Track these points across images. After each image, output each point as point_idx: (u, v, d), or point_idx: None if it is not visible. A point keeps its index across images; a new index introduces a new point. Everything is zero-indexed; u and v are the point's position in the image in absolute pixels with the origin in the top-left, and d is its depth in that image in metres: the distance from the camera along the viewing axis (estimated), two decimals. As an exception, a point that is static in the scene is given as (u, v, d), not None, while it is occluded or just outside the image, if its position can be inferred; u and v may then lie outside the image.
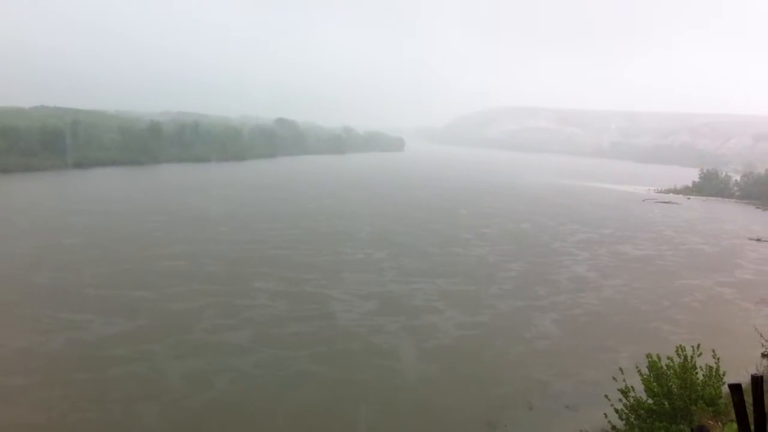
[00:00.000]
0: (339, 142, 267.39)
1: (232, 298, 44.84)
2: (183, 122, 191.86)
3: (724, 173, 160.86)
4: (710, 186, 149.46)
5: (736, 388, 3.35)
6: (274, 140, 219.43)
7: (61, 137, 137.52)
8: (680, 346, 19.05)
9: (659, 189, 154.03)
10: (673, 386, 18.27)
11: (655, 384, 18.31)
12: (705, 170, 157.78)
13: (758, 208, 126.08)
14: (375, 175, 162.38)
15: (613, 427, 19.36)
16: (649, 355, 18.98)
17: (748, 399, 3.66)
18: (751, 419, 3.52)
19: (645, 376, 18.69)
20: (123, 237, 64.09)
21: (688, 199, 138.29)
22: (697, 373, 18.53)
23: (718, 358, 18.72)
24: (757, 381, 3.49)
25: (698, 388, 18.14)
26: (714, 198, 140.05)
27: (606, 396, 19.11)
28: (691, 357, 18.70)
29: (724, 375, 18.77)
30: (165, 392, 29.87)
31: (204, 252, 59.33)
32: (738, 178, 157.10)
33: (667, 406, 18.02)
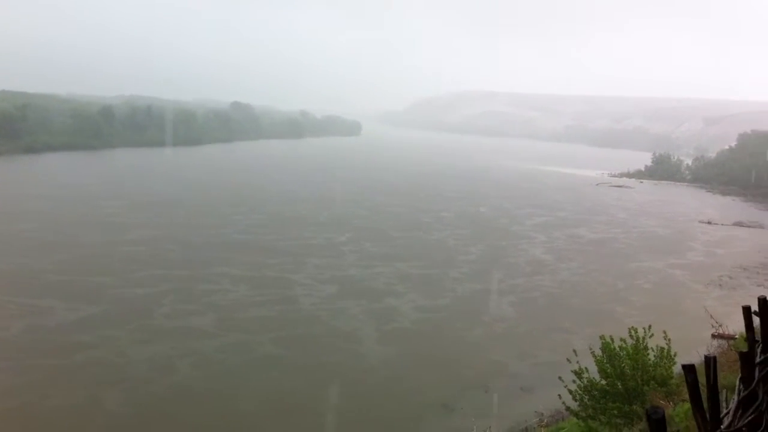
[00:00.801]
0: (296, 126, 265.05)
1: (195, 283, 44.68)
2: (136, 106, 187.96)
3: (676, 157, 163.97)
4: (662, 170, 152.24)
5: (690, 369, 3.35)
6: (230, 124, 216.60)
7: (10, 121, 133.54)
8: (632, 327, 19.32)
9: (613, 173, 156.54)
10: (626, 367, 18.53)
11: (608, 365, 18.57)
12: (657, 154, 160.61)
13: (709, 191, 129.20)
14: (333, 159, 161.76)
15: (567, 408, 19.63)
16: (602, 337, 19.21)
17: (702, 380, 3.67)
18: (704, 400, 3.53)
19: (598, 358, 18.93)
20: (80, 222, 63.03)
21: (641, 182, 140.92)
22: (648, 354, 18.84)
23: (669, 340, 19.07)
24: (710, 362, 3.49)
25: (650, 368, 18.46)
26: (666, 182, 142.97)
27: (560, 377, 19.37)
28: (643, 338, 18.98)
29: (675, 356, 19.14)
30: (129, 377, 29.88)
31: (164, 237, 58.82)
32: (689, 162, 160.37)
33: (619, 386, 18.29)
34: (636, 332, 19.17)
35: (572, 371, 18.98)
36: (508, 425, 22.48)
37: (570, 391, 18.96)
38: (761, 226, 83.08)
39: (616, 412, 18.01)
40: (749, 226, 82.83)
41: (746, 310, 4.60)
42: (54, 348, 32.39)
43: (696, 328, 34.85)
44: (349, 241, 62.25)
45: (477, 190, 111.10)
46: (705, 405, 3.54)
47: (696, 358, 22.69)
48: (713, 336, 30.95)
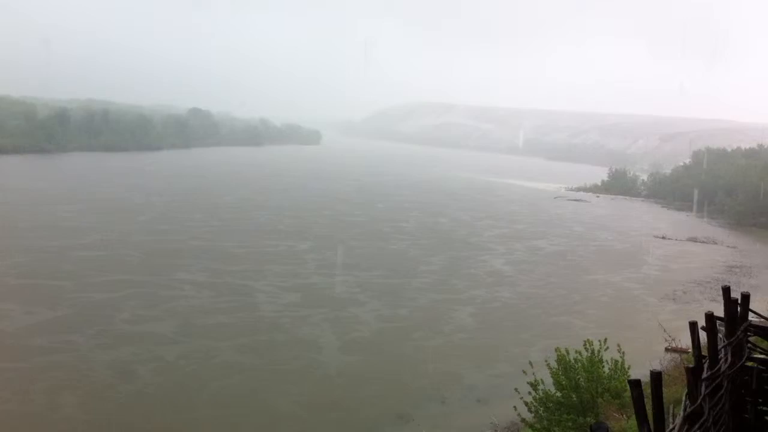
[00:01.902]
0: (255, 134, 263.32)
1: (154, 289, 44.44)
2: (92, 110, 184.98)
3: (631, 173, 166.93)
4: (618, 185, 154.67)
5: (635, 384, 3.36)
6: (188, 130, 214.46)
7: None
8: (588, 340, 19.57)
9: (570, 187, 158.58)
10: (581, 379, 18.75)
11: (563, 377, 18.77)
12: (614, 169, 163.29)
13: (663, 206, 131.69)
14: (292, 167, 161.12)
15: (523, 420, 19.75)
16: (557, 349, 19.41)
17: (650, 394, 3.68)
18: (650, 414, 3.53)
19: (554, 370, 19.11)
20: (35, 227, 61.95)
21: (598, 197, 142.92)
22: (603, 366, 19.08)
23: (623, 353, 19.35)
24: (655, 377, 3.50)
25: (604, 381, 18.70)
26: (622, 196, 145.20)
27: (516, 389, 19.48)
28: (598, 351, 19.24)
29: (629, 369, 19.40)
30: (89, 383, 29.53)
31: (122, 242, 58.27)
32: (645, 177, 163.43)
33: (574, 398, 18.49)
34: (591, 345, 19.42)
35: (528, 383, 19.09)
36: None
37: (525, 403, 19.08)
38: (714, 242, 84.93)
39: (570, 423, 18.18)
40: (703, 242, 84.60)
41: (693, 326, 4.65)
42: (12, 352, 31.97)
43: (650, 342, 35.35)
44: (310, 249, 62.20)
45: (435, 200, 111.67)
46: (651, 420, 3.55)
47: (649, 372, 23.10)
48: (666, 350, 31.40)
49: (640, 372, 23.04)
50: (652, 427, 3.40)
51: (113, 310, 39.44)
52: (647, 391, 3.99)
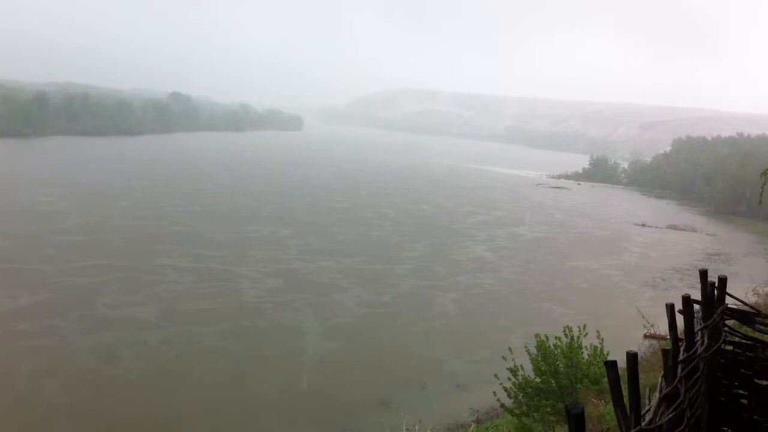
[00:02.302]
0: (236, 120, 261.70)
1: (136, 274, 44.24)
2: (71, 94, 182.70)
3: (612, 160, 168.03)
4: (599, 172, 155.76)
5: (611, 366, 3.36)
6: (168, 115, 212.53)
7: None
8: (567, 326, 19.63)
9: (551, 174, 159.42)
10: (560, 365, 18.82)
11: (542, 363, 18.82)
12: (595, 157, 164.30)
13: (643, 194, 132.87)
14: (274, 153, 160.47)
15: (502, 405, 19.84)
16: (537, 335, 19.47)
17: (626, 376, 3.69)
18: (626, 395, 3.54)
19: (533, 356, 19.18)
20: (14, 211, 61.22)
21: (579, 184, 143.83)
22: (582, 352, 19.17)
23: (602, 339, 19.45)
24: (631, 358, 3.51)
25: (584, 367, 18.78)
26: (602, 184, 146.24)
27: (496, 375, 19.55)
28: (578, 337, 19.31)
29: (608, 354, 19.50)
30: (71, 367, 29.44)
31: (103, 227, 57.86)
32: (625, 165, 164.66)
33: (553, 384, 18.56)
34: (571, 331, 19.47)
35: (508, 369, 19.16)
36: (443, 422, 22.62)
37: (505, 389, 19.13)
38: (694, 230, 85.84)
39: (549, 409, 18.29)
40: (682, 230, 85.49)
41: (670, 308, 4.66)
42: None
43: (629, 328, 35.69)
44: (293, 235, 62.12)
45: (417, 187, 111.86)
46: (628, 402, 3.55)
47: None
48: (645, 336, 31.75)
49: (619, 357, 23.21)
50: (628, 408, 3.40)
51: (95, 295, 39.34)
52: (626, 376, 4.02)
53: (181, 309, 38.52)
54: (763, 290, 38.20)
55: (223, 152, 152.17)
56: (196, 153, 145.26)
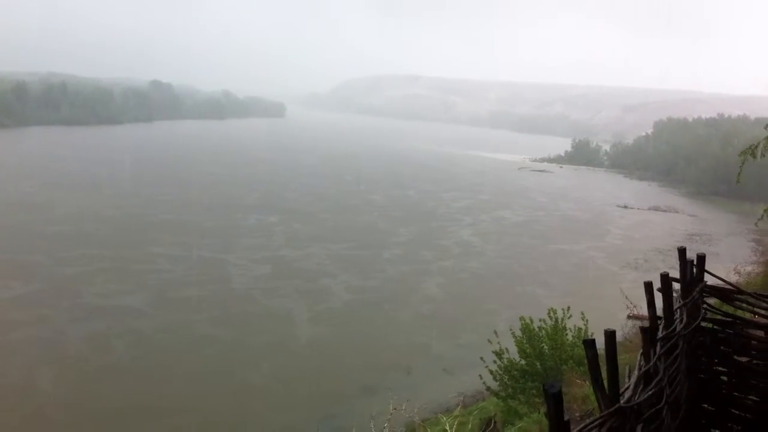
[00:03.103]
0: (218, 107, 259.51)
1: (126, 263, 44.32)
2: (51, 83, 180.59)
3: (594, 143, 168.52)
4: (582, 155, 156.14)
5: (590, 344, 3.39)
6: (149, 104, 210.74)
7: None
8: (552, 308, 19.75)
9: (534, 158, 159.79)
10: (545, 347, 18.95)
11: (527, 345, 18.93)
12: (577, 140, 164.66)
13: (626, 176, 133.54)
14: (256, 141, 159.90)
15: (488, 388, 19.97)
16: (522, 318, 19.57)
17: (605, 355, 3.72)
18: (605, 374, 3.57)
19: (518, 338, 19.28)
20: (0, 202, 60.87)
21: (561, 167, 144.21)
22: (567, 334, 19.30)
23: (587, 320, 19.55)
24: (609, 336, 3.54)
25: (568, 348, 18.92)
26: (585, 167, 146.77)
27: (481, 358, 19.66)
28: (562, 319, 19.43)
29: (592, 335, 19.62)
30: (65, 356, 29.63)
31: (89, 217, 57.73)
32: (607, 148, 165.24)
33: (538, 366, 18.69)
34: (555, 313, 19.58)
35: (493, 352, 19.26)
36: (429, 406, 22.72)
37: (491, 372, 19.25)
38: (676, 211, 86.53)
39: (534, 391, 18.41)
40: (664, 211, 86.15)
41: (648, 286, 4.70)
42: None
43: (613, 309, 35.93)
44: (279, 222, 62.27)
45: (401, 173, 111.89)
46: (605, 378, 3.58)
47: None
48: (628, 317, 31.99)
49: (603, 339, 23.49)
50: (607, 387, 3.43)
51: (86, 284, 39.57)
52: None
53: (172, 297, 38.73)
54: (744, 269, 38.67)
55: (205, 140, 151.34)
56: (178, 141, 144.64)
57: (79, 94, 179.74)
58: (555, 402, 2.86)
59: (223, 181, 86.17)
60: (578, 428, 3.04)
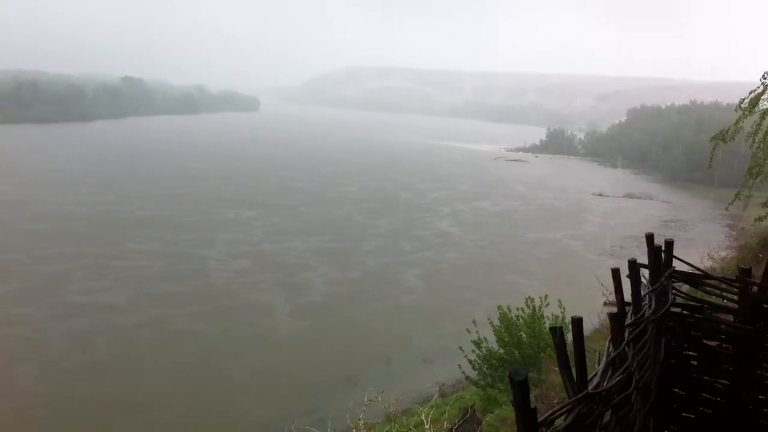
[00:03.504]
0: (191, 102, 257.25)
1: (105, 260, 44.05)
2: (21, 81, 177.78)
3: (569, 132, 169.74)
4: (557, 144, 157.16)
5: (557, 331, 3.41)
6: (121, 100, 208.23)
7: None
8: (529, 297, 19.90)
9: (510, 147, 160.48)
10: (523, 336, 19.10)
11: (505, 334, 19.08)
12: (552, 129, 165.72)
13: (600, 165, 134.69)
14: (231, 135, 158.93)
15: (467, 378, 20.09)
16: (500, 307, 19.69)
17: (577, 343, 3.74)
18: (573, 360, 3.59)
19: (497, 328, 19.41)
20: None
21: (537, 157, 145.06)
22: (544, 322, 19.45)
23: (564, 308, 19.72)
24: (576, 323, 3.57)
25: (546, 336, 19.07)
26: (560, 156, 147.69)
27: (460, 348, 19.76)
28: (539, 307, 19.60)
29: (569, 323, 19.78)
30: (44, 354, 29.41)
31: (66, 214, 57.25)
32: (582, 136, 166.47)
33: (517, 355, 18.84)
34: (533, 302, 19.74)
35: (472, 341, 19.36)
36: (408, 396, 22.79)
37: (470, 361, 19.37)
38: (650, 198, 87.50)
39: (512, 378, 18.54)
40: (639, 198, 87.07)
41: (615, 273, 4.74)
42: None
43: (590, 297, 36.18)
44: (258, 216, 62.11)
45: (378, 164, 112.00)
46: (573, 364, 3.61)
47: (588, 325, 23.69)
48: (605, 304, 32.32)
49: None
50: (575, 373, 3.45)
51: (65, 282, 39.33)
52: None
53: (152, 293, 38.61)
54: (718, 255, 39.17)
55: (179, 135, 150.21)
56: (152, 137, 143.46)
57: (49, 91, 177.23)
58: (521, 390, 2.87)
59: (199, 176, 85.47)
60: (546, 415, 3.05)
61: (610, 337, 4.07)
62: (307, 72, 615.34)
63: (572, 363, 3.56)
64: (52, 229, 51.69)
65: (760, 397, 5.60)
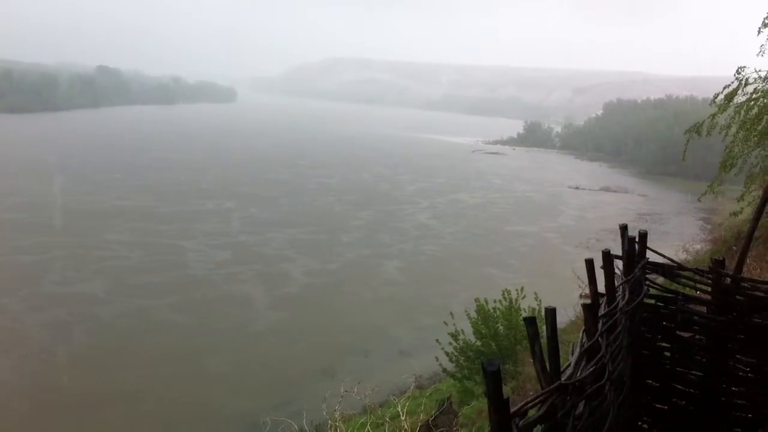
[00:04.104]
0: (167, 92, 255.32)
1: (83, 250, 43.77)
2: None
3: (546, 125, 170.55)
4: (534, 137, 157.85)
5: (530, 322, 3.40)
6: (96, 89, 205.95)
7: None
8: (506, 289, 19.95)
9: (487, 140, 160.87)
10: (500, 327, 19.17)
11: (482, 326, 19.11)
12: (529, 122, 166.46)
13: (577, 158, 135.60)
14: (208, 126, 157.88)
15: (444, 370, 20.12)
16: (477, 299, 19.74)
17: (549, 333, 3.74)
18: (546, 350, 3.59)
19: (474, 320, 19.45)
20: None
21: (514, 149, 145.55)
22: (521, 314, 19.52)
23: (540, 300, 19.79)
24: (550, 313, 3.58)
25: (522, 328, 19.14)
26: (537, 149, 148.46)
27: (437, 340, 19.77)
28: (516, 300, 19.67)
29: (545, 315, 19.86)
30: (23, 346, 29.22)
31: (42, 204, 56.72)
32: (559, 129, 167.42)
33: (494, 346, 18.88)
34: (509, 294, 19.80)
35: (449, 334, 19.37)
36: (385, 388, 22.82)
37: (447, 353, 19.37)
38: (626, 191, 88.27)
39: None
40: (615, 191, 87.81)
41: (589, 263, 4.75)
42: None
43: (567, 289, 36.46)
44: (236, 207, 61.90)
45: (356, 156, 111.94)
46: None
47: (565, 317, 23.84)
48: (581, 296, 32.57)
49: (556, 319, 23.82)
50: (548, 364, 3.45)
51: (43, 272, 39.05)
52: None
53: (131, 283, 38.42)
54: (693, 247, 39.54)
55: (155, 126, 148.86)
56: (127, 126, 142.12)
57: (24, 81, 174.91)
58: (493, 380, 2.85)
59: (176, 167, 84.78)
60: (519, 405, 3.04)
61: (584, 327, 4.08)
62: (285, 63, 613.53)
63: (547, 354, 3.55)
64: (30, 220, 51.18)
65: (733, 387, 5.66)
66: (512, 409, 2.97)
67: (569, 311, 23.96)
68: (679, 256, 31.93)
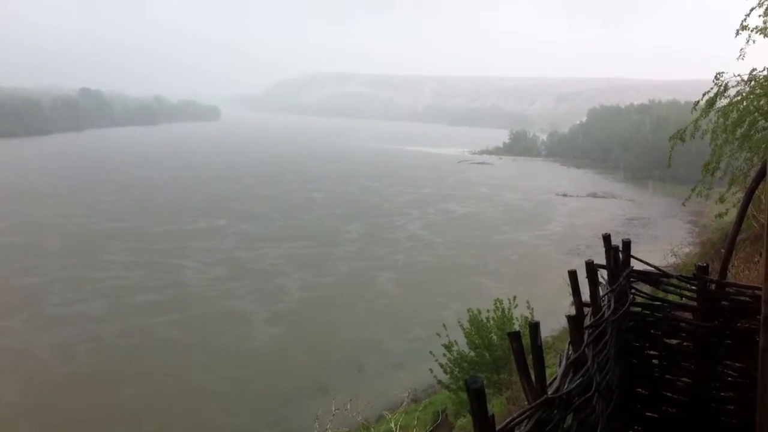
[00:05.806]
0: (150, 113, 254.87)
1: (81, 271, 44.13)
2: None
3: (531, 134, 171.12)
4: (519, 146, 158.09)
5: (515, 336, 3.41)
6: (79, 112, 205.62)
7: None
8: (498, 299, 19.97)
9: (473, 150, 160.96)
10: (494, 337, 19.17)
11: (476, 337, 19.13)
12: (514, 131, 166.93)
13: (563, 165, 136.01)
14: (192, 145, 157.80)
15: (439, 382, 20.08)
16: (469, 310, 19.76)
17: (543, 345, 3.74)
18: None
19: (467, 330, 19.45)
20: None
21: (500, 159, 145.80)
22: (514, 323, 19.53)
23: (532, 309, 19.81)
24: (533, 327, 3.58)
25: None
26: (523, 157, 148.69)
27: (431, 352, 19.73)
28: (508, 309, 19.68)
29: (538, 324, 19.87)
30: (27, 366, 29.55)
31: (36, 227, 56.99)
32: (544, 137, 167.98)
33: (488, 356, 18.90)
34: (501, 303, 19.81)
35: (443, 345, 19.35)
36: (379, 403, 22.69)
37: (441, 365, 19.33)
38: (613, 197, 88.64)
39: (485, 381, 18.55)
40: (602, 197, 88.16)
41: (572, 275, 4.77)
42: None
43: (558, 297, 36.51)
44: (228, 225, 62.08)
45: (342, 170, 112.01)
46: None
47: (557, 325, 23.87)
48: (572, 304, 32.62)
49: (548, 326, 23.85)
50: (534, 378, 3.45)
51: (43, 294, 39.44)
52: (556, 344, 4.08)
53: (130, 303, 38.74)
54: (682, 251, 39.72)
55: (139, 146, 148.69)
56: (112, 148, 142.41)
57: (6, 105, 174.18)
58: (477, 397, 2.86)
59: (165, 186, 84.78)
60: (504, 422, 3.04)
61: (569, 339, 4.08)
62: (267, 80, 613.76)
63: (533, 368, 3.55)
64: (24, 243, 51.45)
65: (722, 393, 5.68)
66: (497, 427, 2.97)
67: (562, 319, 23.92)
68: (669, 260, 32.10)
